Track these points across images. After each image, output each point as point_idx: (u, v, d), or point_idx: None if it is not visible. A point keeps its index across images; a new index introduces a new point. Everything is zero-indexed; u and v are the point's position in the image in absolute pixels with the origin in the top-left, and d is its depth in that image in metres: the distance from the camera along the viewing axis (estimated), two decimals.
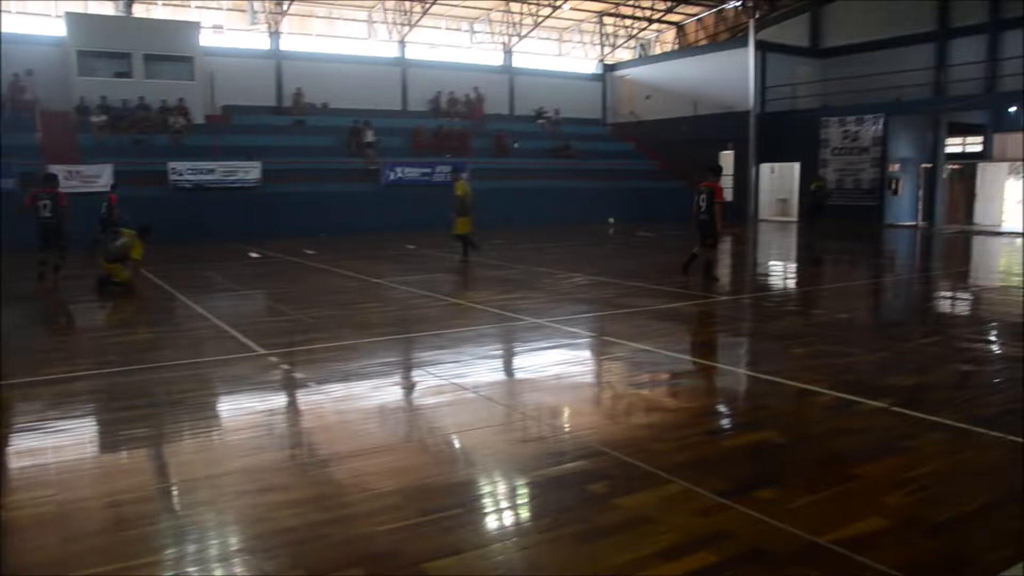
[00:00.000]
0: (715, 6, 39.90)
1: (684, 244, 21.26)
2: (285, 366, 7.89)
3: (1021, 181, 28.31)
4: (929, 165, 29.17)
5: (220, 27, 31.54)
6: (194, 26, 28.40)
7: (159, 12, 30.31)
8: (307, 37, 33.69)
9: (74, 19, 26.54)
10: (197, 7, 31.08)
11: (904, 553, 3.75)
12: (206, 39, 29.33)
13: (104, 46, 26.55)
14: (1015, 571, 3.56)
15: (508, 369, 8.22)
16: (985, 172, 29.61)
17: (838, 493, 4.49)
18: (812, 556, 3.73)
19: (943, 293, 13.69)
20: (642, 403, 6.63)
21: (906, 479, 4.68)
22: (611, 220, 28.57)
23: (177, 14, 30.32)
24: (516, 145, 32.00)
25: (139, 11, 29.34)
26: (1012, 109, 28.07)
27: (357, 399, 6.73)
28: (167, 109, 26.35)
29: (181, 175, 23.71)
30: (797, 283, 15.25)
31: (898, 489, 4.53)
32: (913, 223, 29.20)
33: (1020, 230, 26.53)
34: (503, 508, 4.48)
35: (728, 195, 33.10)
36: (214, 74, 28.84)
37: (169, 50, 27.37)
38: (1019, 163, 28.87)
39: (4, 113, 23.81)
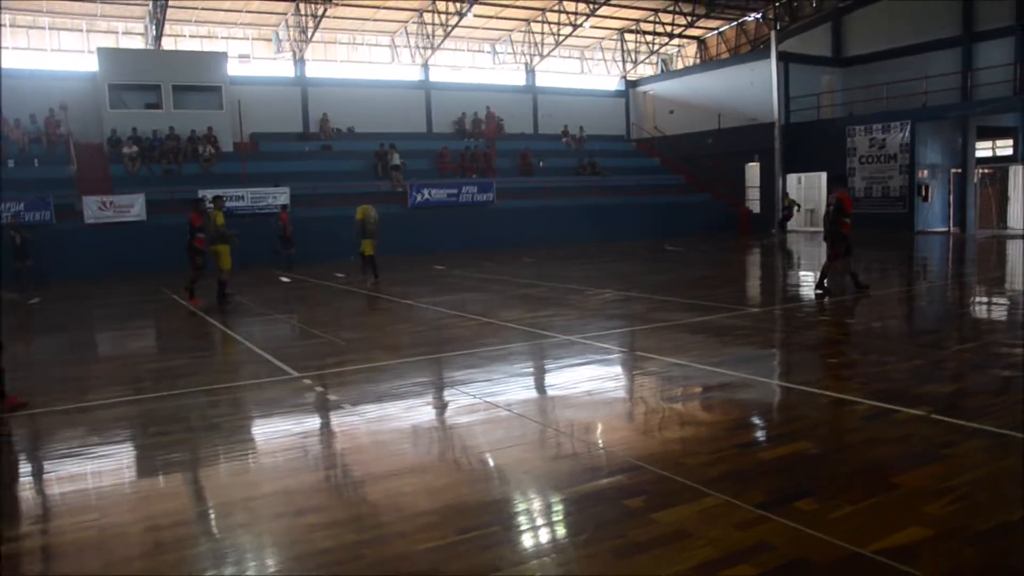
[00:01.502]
0: (736, 19, 39.91)
1: (710, 259, 21.20)
2: (319, 388, 7.94)
3: None
4: (959, 170, 28.84)
5: (247, 56, 32.04)
6: (221, 56, 28.89)
7: (187, 44, 30.89)
8: (331, 63, 34.10)
9: (105, 54, 27.09)
10: (224, 37, 31.65)
11: (947, 563, 3.71)
12: (233, 68, 29.79)
13: (134, 79, 27.07)
14: None
15: (540, 386, 8.22)
16: (1018, 175, 29.23)
17: (878, 503, 4.43)
18: (855, 567, 3.69)
19: (978, 299, 13.52)
20: (676, 417, 6.60)
21: (947, 488, 4.62)
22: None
23: (204, 45, 30.89)
24: (541, 164, 32.09)
25: (168, 44, 29.92)
26: None
27: (391, 419, 6.75)
28: (196, 138, 26.75)
29: (210, 202, 23.97)
30: (829, 293, 15.09)
31: (939, 498, 4.46)
32: (945, 229, 28.86)
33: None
34: (540, 525, 4.47)
35: (755, 207, 33.06)
36: (241, 102, 29.25)
37: (197, 81, 27.86)
38: None
39: (41, 147, 24.31)
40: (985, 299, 13.50)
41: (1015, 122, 29.49)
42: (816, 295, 13.04)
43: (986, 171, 29.78)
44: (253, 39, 32.55)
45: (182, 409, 7.21)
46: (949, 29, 30.52)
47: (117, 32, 30.23)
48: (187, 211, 15.10)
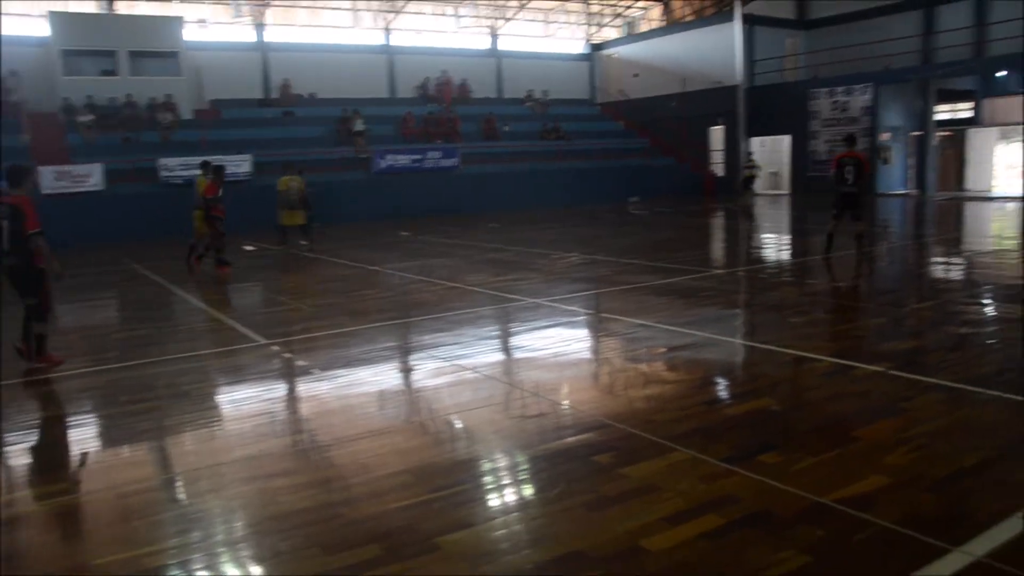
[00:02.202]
0: None
1: (677, 221, 21.35)
2: (287, 354, 7.95)
3: (1012, 146, 28.38)
4: (919, 133, 29.19)
5: (204, 21, 31.38)
6: (178, 21, 28.21)
7: (142, 8, 30.10)
8: (292, 28, 33.52)
9: (57, 18, 26.35)
10: (180, 2, 30.88)
11: (905, 509, 3.84)
12: (191, 34, 29.17)
13: (88, 44, 26.35)
14: (1013, 522, 3.65)
15: (508, 348, 8.28)
16: (975, 138, 29.67)
17: (839, 455, 4.57)
18: (816, 515, 3.82)
19: (937, 259, 13.78)
20: (642, 377, 6.71)
21: (905, 439, 4.77)
22: (635, 198, 28.61)
23: (160, 9, 30.13)
24: (506, 128, 31.96)
25: (122, 8, 29.18)
26: (1001, 74, 28.15)
27: (360, 384, 6.79)
28: (155, 106, 26.23)
29: (172, 171, 23.62)
30: (791, 254, 15.32)
31: (897, 448, 4.61)
32: (905, 191, 29.26)
33: (1011, 194, 26.65)
34: (512, 482, 4.56)
35: (719, 170, 33.26)
36: (201, 69, 28.70)
37: (154, 46, 27.20)
38: (1009, 128, 28.92)
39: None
40: (943, 259, 13.77)
41: (974, 85, 29.89)
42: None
43: (945, 134, 30.19)
44: (211, 3, 31.84)
45: (150, 378, 7.17)
46: None
47: None
48: (196, 179, 14.93)
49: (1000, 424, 5.09)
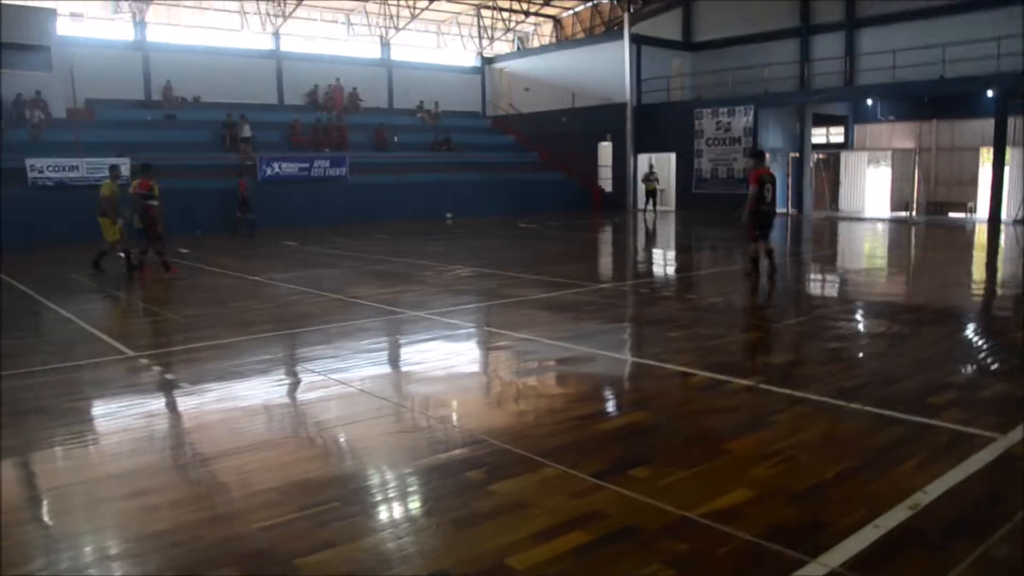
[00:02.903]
0: (591, 0, 40.56)
1: (563, 236, 21.56)
2: (156, 367, 7.58)
3: (880, 169, 29.96)
4: (797, 154, 30.47)
5: (80, 15, 30.00)
6: (50, 13, 26.77)
7: None
8: (175, 28, 32.42)
9: None
10: None
11: (768, 521, 3.91)
12: (64, 27, 27.84)
13: None
14: (868, 532, 3.75)
15: (387, 362, 8.15)
16: (848, 161, 31.15)
17: (708, 468, 4.63)
18: (681, 529, 3.84)
19: (812, 276, 14.33)
20: (520, 391, 6.68)
21: (771, 452, 4.88)
22: (449, 215, 28.57)
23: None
24: (396, 139, 31.72)
25: None
26: (869, 102, 29.76)
27: (232, 398, 6.53)
28: (22, 102, 24.87)
29: (42, 172, 22.45)
30: (675, 269, 15.66)
31: (764, 461, 4.71)
32: (784, 210, 30.42)
33: (880, 215, 28.12)
34: (380, 499, 4.43)
35: (607, 185, 33.87)
36: (74, 65, 27.38)
37: (22, 39, 25.64)
38: (878, 152, 30.53)
39: None
40: (818, 276, 14.33)
41: (846, 111, 31.45)
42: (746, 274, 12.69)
43: (821, 156, 31.61)
44: None
45: (5, 392, 6.70)
46: (789, 20, 32.04)
47: None
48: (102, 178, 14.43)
49: (861, 436, 5.27)
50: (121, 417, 6.12)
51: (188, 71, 30.39)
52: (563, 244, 20.24)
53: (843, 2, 30.48)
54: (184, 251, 17.37)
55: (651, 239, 22.20)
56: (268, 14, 33.39)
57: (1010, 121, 24.66)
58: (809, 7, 31.59)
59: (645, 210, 29.57)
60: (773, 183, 12.44)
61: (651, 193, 29.43)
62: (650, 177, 29.64)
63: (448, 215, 28.37)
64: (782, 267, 15.52)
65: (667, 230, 24.48)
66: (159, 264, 13.96)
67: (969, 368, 7.07)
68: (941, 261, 16.63)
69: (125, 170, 23.12)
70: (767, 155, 13.20)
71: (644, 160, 33.19)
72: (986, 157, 27.09)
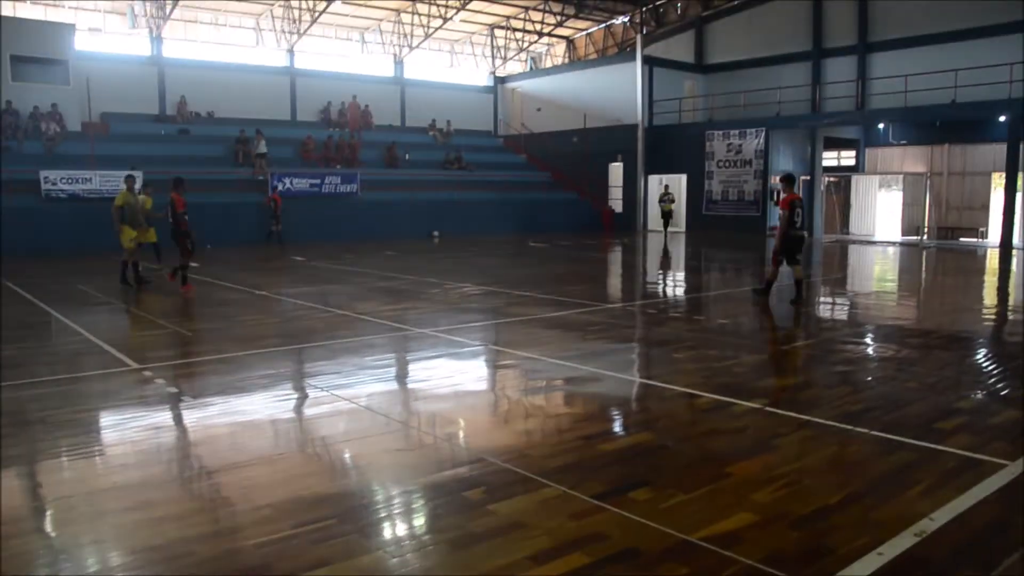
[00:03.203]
0: (604, 21, 40.76)
1: (573, 256, 21.53)
2: (160, 380, 7.56)
3: (891, 193, 29.89)
4: (807, 177, 30.42)
5: (98, 30, 30.30)
6: (68, 28, 27.11)
7: (28, 11, 28.81)
8: (191, 44, 32.71)
9: None
10: (71, 7, 29.74)
11: (770, 546, 3.85)
12: (82, 42, 28.12)
13: None
14: (871, 559, 3.69)
15: (391, 379, 8.10)
16: (858, 184, 31.10)
17: (710, 492, 4.57)
18: (683, 553, 3.78)
19: (821, 298, 14.24)
20: (523, 410, 6.63)
21: (775, 475, 4.81)
22: (436, 233, 28.44)
23: (49, 14, 28.94)
24: (407, 156, 31.83)
25: (6, 9, 27.85)
26: (880, 126, 29.74)
27: (232, 413, 6.50)
28: (38, 115, 25.09)
29: (55, 184, 22.60)
30: (683, 290, 15.60)
31: (767, 485, 4.64)
32: None
33: (891, 239, 28.01)
34: (378, 518, 4.38)
35: (618, 206, 33.87)
36: (90, 79, 27.61)
37: (40, 52, 26.00)
38: (890, 176, 30.48)
39: None
40: (828, 299, 14.24)
41: (857, 135, 31.42)
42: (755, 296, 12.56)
43: (832, 179, 31.57)
44: (105, 12, 30.79)
45: (9, 403, 6.69)
46: (801, 44, 32.10)
47: None
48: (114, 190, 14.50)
49: (867, 460, 5.20)
50: (124, 429, 6.10)
51: (203, 86, 30.64)
52: (572, 264, 20.21)
53: (856, 26, 30.52)
54: (194, 265, 17.37)
55: (660, 260, 22.15)
56: (283, 31, 33.65)
57: (1022, 146, 24.61)
58: (822, 31, 31.63)
59: (665, 232, 29.04)
60: (803, 208, 12.14)
61: (667, 215, 29.18)
62: (665, 198, 29.43)
63: (435, 233, 28.17)
64: (789, 289, 15.47)
65: (677, 251, 24.42)
66: (180, 277, 13.86)
67: (978, 394, 6.98)
68: (951, 286, 16.53)
69: (139, 183, 23.34)
70: (798, 179, 12.81)
71: (654, 181, 33.23)
72: (998, 182, 27.01)
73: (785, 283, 12.62)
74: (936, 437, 5.52)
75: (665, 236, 28.20)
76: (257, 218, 25.45)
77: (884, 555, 3.73)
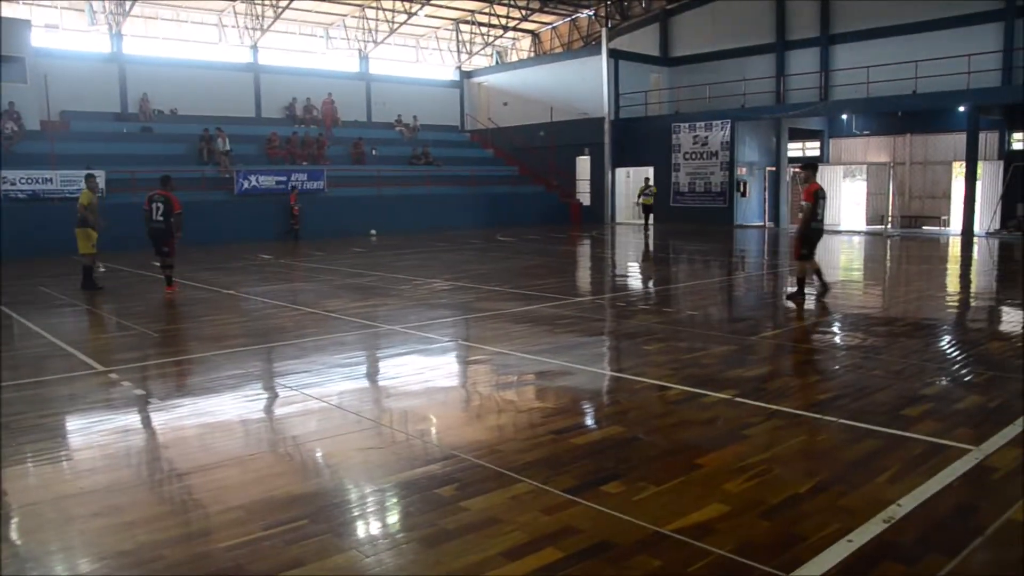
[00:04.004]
0: (569, 15, 40.75)
1: (541, 249, 21.53)
2: (127, 383, 7.46)
3: (855, 183, 30.23)
4: (773, 168, 30.70)
5: (55, 26, 29.76)
6: (23, 24, 26.54)
7: None
8: (153, 40, 32.23)
9: None
10: (27, 3, 29.14)
11: (741, 536, 3.88)
12: (39, 39, 27.60)
13: None
14: (841, 546, 3.72)
15: (360, 377, 8.07)
16: (823, 175, 31.36)
17: (682, 483, 4.60)
18: (655, 545, 3.80)
19: (788, 289, 14.36)
20: (494, 405, 6.64)
21: (746, 466, 4.85)
22: (373, 232, 27.86)
23: (4, 10, 28.31)
24: (374, 152, 31.65)
25: None
26: (844, 117, 30.07)
27: (201, 414, 6.43)
28: None
29: (14, 184, 22.17)
30: (652, 282, 15.67)
31: (738, 475, 4.68)
32: (761, 223, 30.61)
33: (855, 228, 28.36)
34: (350, 517, 4.36)
35: (586, 199, 33.94)
36: (48, 77, 27.14)
37: None
38: (854, 166, 30.84)
39: None
40: (793, 288, 14.34)
41: (821, 126, 31.74)
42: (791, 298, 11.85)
43: (797, 170, 31.81)
44: (62, 8, 30.22)
45: None
46: (765, 36, 32.31)
47: None
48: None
49: (835, 448, 5.26)
50: (90, 433, 6.02)
51: (165, 84, 30.21)
52: (541, 257, 20.22)
53: (818, 18, 30.80)
54: (157, 264, 17.16)
55: (629, 252, 22.23)
56: (246, 27, 33.27)
57: (981, 136, 25.04)
58: (785, 23, 31.87)
59: (646, 226, 28.31)
60: (825, 198, 11.67)
61: (648, 208, 28.56)
62: (646, 191, 29.13)
63: (372, 232, 27.66)
64: (755, 280, 15.60)
65: (645, 243, 24.52)
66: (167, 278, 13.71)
67: (943, 380, 7.08)
68: (915, 274, 16.76)
69: (102, 182, 22.98)
70: (817, 166, 12.20)
71: (622, 174, 33.34)
72: (958, 171, 27.43)
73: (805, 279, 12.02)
74: (903, 424, 5.60)
75: (646, 230, 27.81)
76: (222, 216, 25.16)
77: (854, 542, 3.78)
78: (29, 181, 22.42)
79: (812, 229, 11.46)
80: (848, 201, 30.72)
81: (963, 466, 4.77)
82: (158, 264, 13.50)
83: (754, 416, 5.91)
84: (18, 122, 24.91)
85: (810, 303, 11.45)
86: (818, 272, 11.76)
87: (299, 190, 26.80)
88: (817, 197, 11.38)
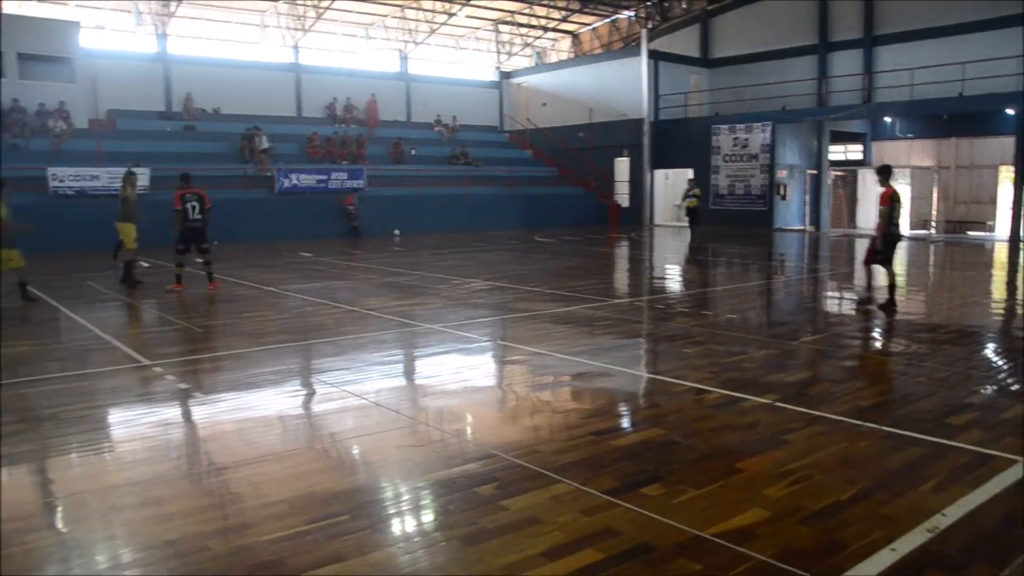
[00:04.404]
0: (609, 16, 40.65)
1: (579, 250, 21.50)
2: (171, 377, 7.59)
3: (898, 187, 29.76)
4: (814, 171, 30.36)
5: (103, 27, 30.33)
6: (73, 25, 27.14)
7: (34, 9, 28.85)
8: (196, 41, 32.74)
9: None
10: (77, 5, 29.76)
11: (782, 542, 3.85)
12: (87, 40, 28.15)
13: None
14: (884, 555, 3.69)
15: (399, 375, 8.13)
16: (865, 178, 30.99)
17: (722, 487, 4.57)
18: (695, 549, 3.79)
19: (829, 293, 14.22)
20: (533, 406, 6.64)
21: (787, 471, 4.81)
22: (397, 232, 27.81)
23: (54, 12, 28.96)
24: (413, 152, 31.83)
25: (12, 8, 27.90)
26: (887, 119, 29.65)
27: (244, 409, 6.52)
28: (45, 112, 25.14)
29: (63, 181, 22.66)
30: (690, 285, 15.58)
31: (779, 481, 4.64)
32: (801, 227, 30.29)
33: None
34: (390, 513, 4.40)
35: (624, 200, 33.82)
36: (97, 77, 27.69)
37: (46, 50, 26.02)
38: (897, 170, 30.35)
39: None
40: (835, 294, 14.21)
41: (864, 128, 31.33)
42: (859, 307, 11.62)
43: (838, 173, 31.47)
44: (110, 9, 30.79)
45: (19, 399, 6.74)
46: (807, 37, 31.98)
47: None
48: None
49: (878, 456, 5.20)
50: (135, 425, 6.13)
51: (208, 83, 30.67)
52: (579, 259, 20.19)
53: (861, 19, 30.40)
54: (200, 261, 17.40)
55: (667, 254, 22.13)
56: (288, 28, 33.64)
57: None
58: (827, 24, 31.51)
59: (692, 228, 27.09)
60: (900, 203, 11.30)
61: (692, 211, 27.30)
62: (690, 194, 28.55)
63: (396, 232, 27.65)
64: (795, 283, 15.44)
65: (684, 246, 24.39)
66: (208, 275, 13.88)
67: (989, 388, 6.96)
68: (960, 280, 16.48)
69: (146, 179, 23.37)
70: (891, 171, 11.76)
71: (660, 175, 33.13)
72: (1005, 175, 26.91)
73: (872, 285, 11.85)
74: (947, 432, 5.51)
75: (692, 233, 26.74)
76: (263, 214, 25.48)
77: (897, 551, 3.73)
78: (77, 178, 22.88)
79: (892, 235, 11.15)
80: None
81: (1010, 477, 4.69)
82: (200, 261, 13.62)
83: (795, 421, 5.86)
84: (67, 121, 25.42)
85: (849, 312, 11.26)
86: (892, 284, 11.31)
87: (288, 187, 26.79)
88: (893, 201, 11.07)
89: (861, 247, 23.70)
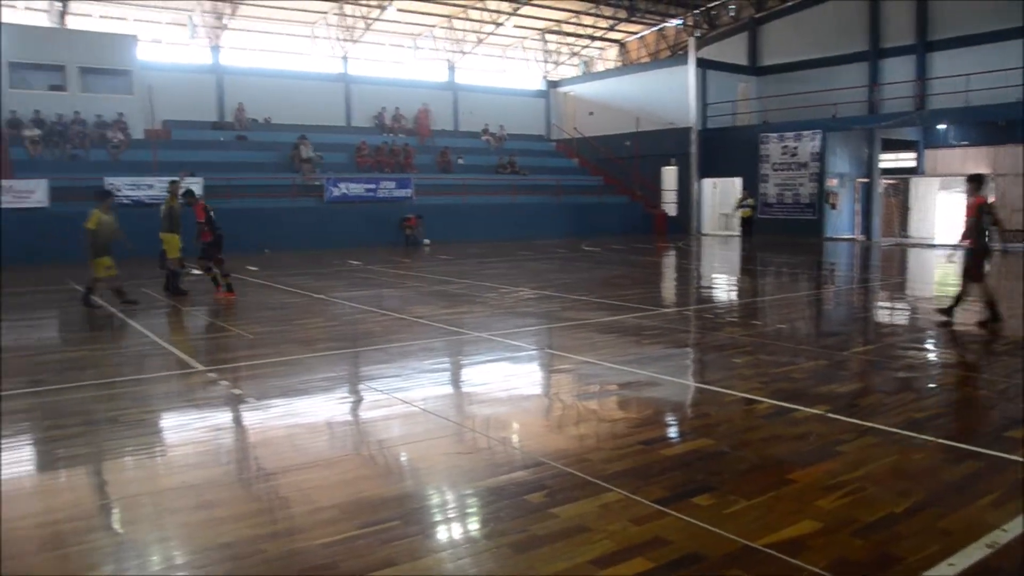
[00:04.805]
0: (656, 25, 40.54)
1: (628, 259, 21.42)
2: (224, 382, 7.74)
3: (952, 195, 29.18)
4: (865, 180, 29.90)
5: (159, 41, 31.08)
6: (131, 39, 27.88)
7: (94, 24, 29.71)
8: (248, 52, 33.38)
9: (6, 30, 25.80)
10: (135, 20, 30.57)
11: (834, 554, 3.81)
12: (144, 53, 28.86)
13: (37, 58, 25.89)
14: (941, 569, 3.63)
15: (449, 382, 8.18)
16: (918, 187, 30.47)
17: (773, 498, 4.53)
18: (746, 559, 3.76)
19: (880, 303, 13.99)
20: (582, 414, 6.64)
21: (839, 483, 4.75)
22: (427, 242, 27.58)
23: (113, 27, 29.77)
24: (460, 161, 32.03)
25: (74, 23, 28.76)
26: (940, 127, 29.07)
27: (296, 414, 6.63)
28: (104, 124, 25.81)
29: (120, 191, 23.19)
30: (739, 295, 15.45)
31: (831, 492, 4.59)
32: (851, 236, 29.85)
33: (952, 243, 27.32)
34: (440, 520, 4.44)
35: (671, 209, 33.64)
36: (153, 88, 28.36)
37: (105, 63, 26.81)
38: (950, 178, 29.78)
39: None
40: (887, 304, 13.99)
41: (916, 136, 30.77)
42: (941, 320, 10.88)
43: (890, 182, 30.95)
44: (166, 23, 31.56)
45: (78, 402, 6.94)
46: (857, 44, 31.55)
47: (15, 6, 28.73)
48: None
49: (933, 469, 5.11)
50: (189, 430, 6.26)
51: (260, 93, 31.24)
52: (626, 268, 20.13)
53: (914, 25, 29.93)
54: (252, 269, 17.73)
55: (715, 264, 21.95)
56: (337, 39, 34.11)
57: None
58: (879, 30, 31.07)
59: (746, 239, 27.38)
60: (991, 214, 10.58)
61: (747, 221, 27.73)
62: (744, 203, 28.38)
63: (426, 241, 27.44)
64: (846, 293, 15.22)
65: (731, 255, 24.18)
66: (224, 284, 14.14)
67: None
68: (1016, 291, 16.09)
69: (199, 188, 23.79)
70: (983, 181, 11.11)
71: (708, 184, 32.91)
72: None
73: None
74: (1006, 446, 5.40)
75: (745, 242, 26.73)
76: (312, 223, 25.82)
77: (955, 565, 3.67)
78: (133, 188, 23.42)
79: (980, 247, 10.57)
80: (944, 214, 29.70)
81: None
82: (215, 270, 14.06)
83: (847, 433, 5.78)
84: (125, 132, 26.05)
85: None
86: (962, 297, 10.83)
87: (336, 195, 27.12)
88: (981, 212, 10.44)
89: (914, 257, 23.32)
